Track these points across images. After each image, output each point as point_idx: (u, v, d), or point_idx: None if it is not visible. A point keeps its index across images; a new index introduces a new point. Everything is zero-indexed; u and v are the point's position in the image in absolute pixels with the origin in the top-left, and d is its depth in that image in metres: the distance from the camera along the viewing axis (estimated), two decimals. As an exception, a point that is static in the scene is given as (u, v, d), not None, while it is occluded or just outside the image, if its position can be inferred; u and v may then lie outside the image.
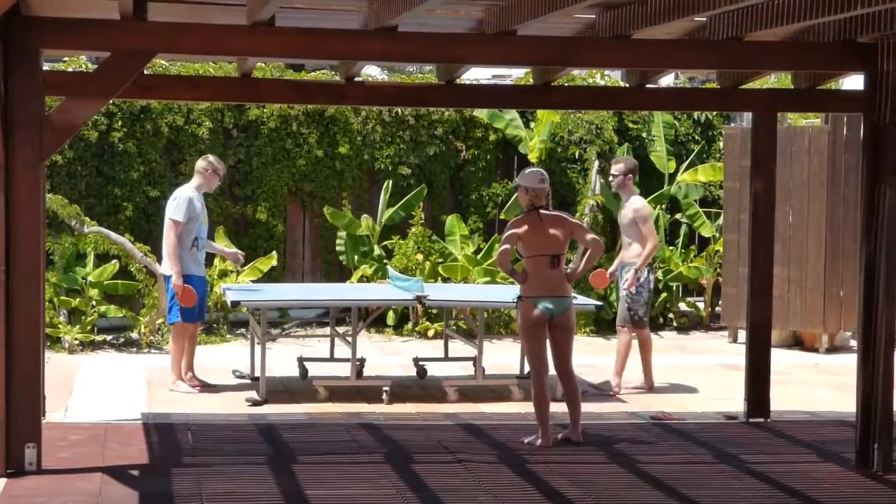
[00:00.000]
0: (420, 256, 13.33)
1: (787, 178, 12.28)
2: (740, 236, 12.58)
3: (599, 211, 13.75)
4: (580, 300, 9.46)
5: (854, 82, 10.54)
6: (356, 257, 13.50)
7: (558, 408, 8.22)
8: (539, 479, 7.01)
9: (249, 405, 9.25)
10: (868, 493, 6.99)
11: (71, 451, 7.46)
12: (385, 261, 13.38)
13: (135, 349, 12.16)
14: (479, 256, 13.57)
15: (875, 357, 7.38)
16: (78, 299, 12.27)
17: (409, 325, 13.33)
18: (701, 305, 14.48)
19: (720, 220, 14.12)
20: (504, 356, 11.51)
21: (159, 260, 10.58)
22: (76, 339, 11.95)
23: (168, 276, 9.75)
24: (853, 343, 12.69)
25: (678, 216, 14.50)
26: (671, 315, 14.14)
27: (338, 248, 13.65)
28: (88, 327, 12.15)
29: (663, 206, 14.24)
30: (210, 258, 12.25)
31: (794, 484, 7.01)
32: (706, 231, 14.34)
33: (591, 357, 11.80)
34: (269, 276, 13.04)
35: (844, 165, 12.53)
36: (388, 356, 11.88)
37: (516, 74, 15.54)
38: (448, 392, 9.64)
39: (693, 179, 14.18)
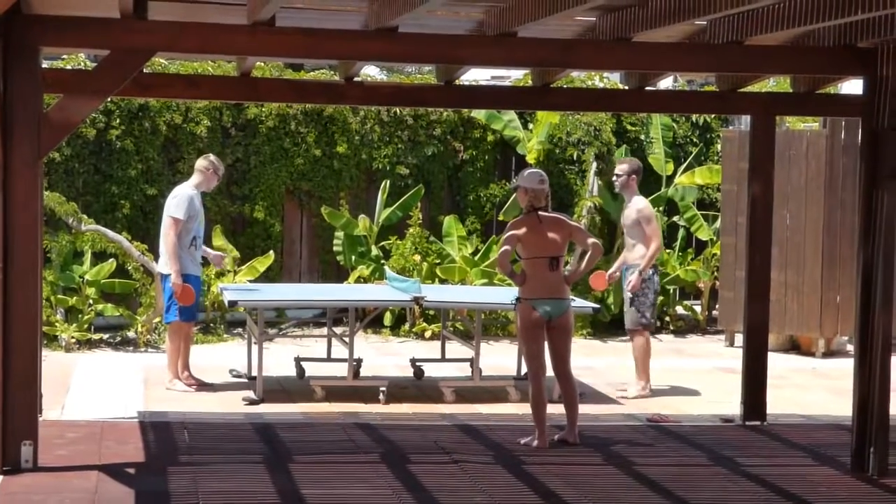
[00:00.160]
0: (417, 257, 13.33)
1: (785, 182, 12.29)
2: (737, 240, 12.58)
3: (597, 213, 13.76)
4: (578, 302, 9.47)
5: (852, 87, 10.53)
6: (353, 257, 13.51)
7: (554, 409, 8.22)
8: (535, 480, 7.02)
9: (246, 404, 9.25)
10: (863, 496, 6.99)
11: (67, 449, 7.46)
12: (382, 261, 13.38)
13: (131, 348, 12.16)
14: (476, 258, 13.57)
15: (872, 361, 7.39)
16: (75, 297, 12.27)
17: (406, 326, 13.34)
18: (698, 309, 14.48)
19: (717, 224, 14.13)
20: (501, 357, 11.51)
21: (156, 258, 10.58)
22: (73, 337, 11.94)
23: (165, 275, 9.75)
24: (849, 348, 12.70)
25: (675, 219, 14.51)
26: (668, 318, 14.15)
27: (335, 248, 13.65)
28: (85, 326, 12.14)
29: (661, 209, 14.24)
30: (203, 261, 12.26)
31: (790, 487, 7.02)
32: (703, 234, 14.35)
33: (589, 359, 11.81)
34: (267, 276, 13.04)
35: (842, 169, 12.54)
36: (385, 357, 11.88)
37: (515, 76, 15.55)
38: (445, 393, 9.65)
39: (690, 182, 14.19)
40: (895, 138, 7.22)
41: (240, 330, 12.84)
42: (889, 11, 6.21)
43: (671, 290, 14.19)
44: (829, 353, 12.70)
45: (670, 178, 14.36)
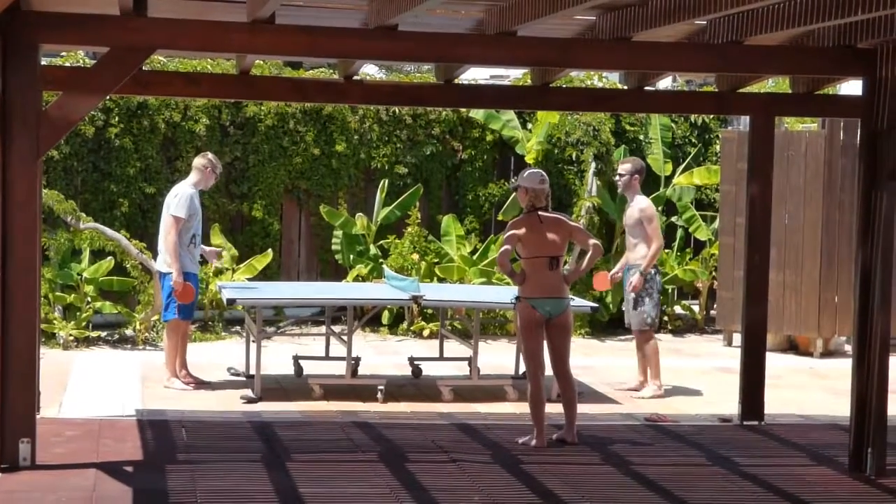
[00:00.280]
0: (416, 256, 13.33)
1: (784, 183, 12.30)
2: (736, 240, 12.59)
3: (595, 213, 13.76)
4: (576, 302, 9.47)
5: (851, 87, 10.54)
6: (352, 256, 13.51)
7: (553, 408, 8.22)
8: (533, 479, 7.02)
9: (244, 403, 9.25)
10: (861, 496, 7.00)
11: (65, 447, 7.45)
12: (381, 260, 13.39)
13: (129, 346, 12.16)
14: (474, 257, 13.57)
15: (870, 361, 7.39)
16: (73, 295, 12.26)
17: (405, 325, 13.34)
18: (696, 308, 14.49)
19: (715, 224, 14.14)
20: (499, 356, 11.51)
21: (155, 256, 10.57)
22: (71, 335, 11.94)
23: (164, 274, 9.75)
24: (847, 348, 12.72)
25: (674, 219, 14.51)
26: (666, 318, 14.15)
27: (334, 247, 13.65)
28: (83, 323, 12.14)
29: (660, 209, 14.24)
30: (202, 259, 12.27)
31: (788, 487, 7.02)
32: (702, 234, 14.35)
33: (587, 359, 11.81)
34: (265, 274, 13.04)
35: (841, 170, 12.55)
36: (383, 355, 11.88)
37: (514, 75, 15.55)
38: (443, 392, 9.65)
39: (689, 182, 14.20)
40: (894, 139, 7.22)
41: (238, 328, 12.84)
42: (889, 12, 6.22)
43: (670, 290, 14.21)
44: (827, 353, 12.70)
45: (669, 179, 14.36)
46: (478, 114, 13.89)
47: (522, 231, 7.83)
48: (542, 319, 7.82)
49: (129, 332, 12.35)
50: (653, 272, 9.96)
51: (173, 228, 9.59)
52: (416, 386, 10.25)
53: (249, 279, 12.57)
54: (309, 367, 10.37)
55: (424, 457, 7.49)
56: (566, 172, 14.04)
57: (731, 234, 13.04)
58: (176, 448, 7.61)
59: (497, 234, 13.82)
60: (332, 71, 14.20)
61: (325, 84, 10.52)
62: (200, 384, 9.86)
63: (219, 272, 12.64)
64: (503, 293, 10.93)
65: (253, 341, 9.79)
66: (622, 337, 13.49)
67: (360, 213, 13.52)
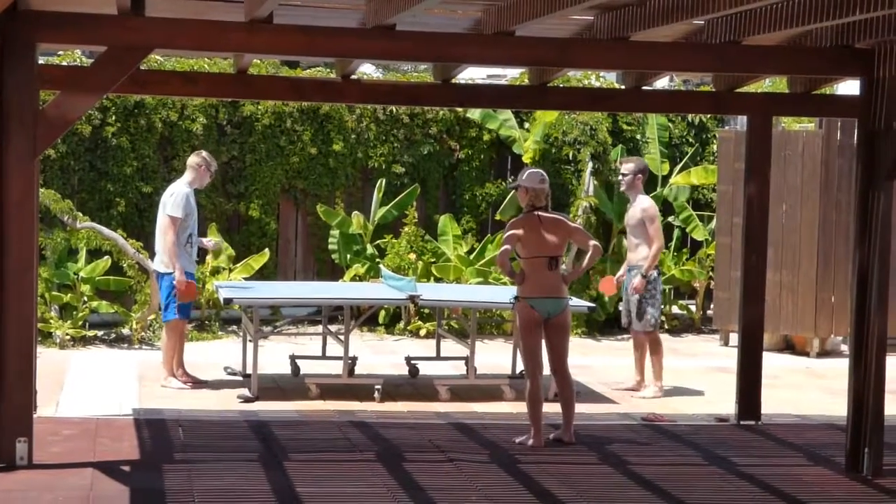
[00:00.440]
0: (413, 256, 13.33)
1: (781, 183, 12.31)
2: (733, 240, 12.60)
3: (593, 212, 13.77)
4: (573, 301, 9.46)
5: (848, 87, 10.55)
6: (349, 256, 13.50)
7: (549, 408, 8.22)
8: (530, 479, 7.02)
9: (241, 402, 9.25)
10: (858, 496, 7.00)
11: (62, 446, 7.45)
12: (377, 260, 13.38)
13: (126, 345, 12.15)
14: (471, 256, 13.57)
15: (867, 361, 7.40)
16: (69, 294, 12.25)
17: (401, 325, 13.34)
18: (693, 308, 14.50)
19: (712, 224, 14.15)
20: (496, 356, 11.51)
21: (152, 256, 10.56)
22: (67, 334, 11.93)
23: (161, 274, 9.75)
24: (844, 348, 12.72)
25: (671, 219, 14.52)
26: (663, 318, 14.15)
27: (330, 247, 13.64)
28: (80, 323, 12.13)
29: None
30: (202, 255, 12.25)
31: (784, 487, 7.02)
32: (699, 234, 14.36)
33: (584, 358, 11.81)
34: (262, 274, 13.04)
35: (838, 170, 12.56)
36: (380, 355, 11.88)
37: (511, 74, 15.56)
38: (440, 391, 9.65)
39: (686, 182, 14.20)
40: (892, 139, 7.23)
41: (235, 327, 12.84)
42: (887, 12, 6.22)
43: (666, 290, 14.20)
44: (824, 353, 12.71)
45: (666, 178, 14.37)
46: (475, 113, 13.89)
47: (522, 231, 7.84)
48: (541, 319, 7.83)
49: (125, 331, 12.34)
50: (654, 273, 9.96)
51: (171, 228, 9.58)
52: (412, 385, 10.25)
53: (246, 279, 12.57)
54: (306, 367, 10.36)
55: (421, 456, 7.49)
56: (563, 172, 14.04)
57: (727, 233, 13.05)
58: (173, 447, 7.60)
59: (494, 233, 13.82)
60: (329, 70, 14.19)
61: (322, 83, 10.52)
62: (197, 383, 9.86)
63: (216, 271, 12.64)
64: (500, 293, 10.93)
65: (250, 341, 9.79)
66: (619, 336, 13.50)
67: (357, 212, 13.52)
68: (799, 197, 12.66)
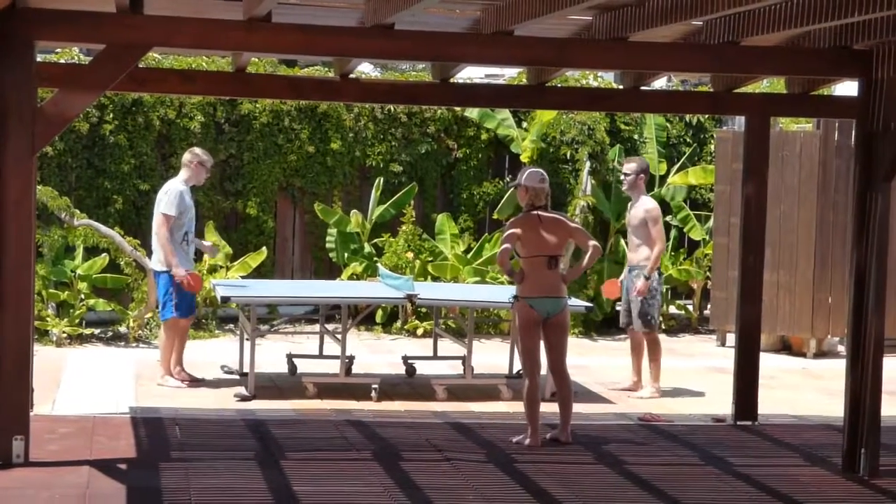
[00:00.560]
0: (410, 254, 13.33)
1: (778, 183, 12.32)
2: (730, 240, 12.61)
3: (590, 212, 13.77)
4: (570, 301, 9.46)
5: (846, 88, 10.55)
6: (346, 254, 13.50)
7: (546, 408, 8.22)
8: (527, 478, 7.02)
9: (238, 400, 9.25)
10: (854, 497, 7.00)
11: (59, 444, 7.44)
12: (375, 258, 13.38)
13: (123, 343, 12.14)
14: (469, 255, 13.57)
15: (864, 362, 7.41)
16: (66, 292, 12.25)
17: (399, 324, 13.34)
18: (690, 308, 14.51)
19: (709, 223, 14.16)
20: (493, 355, 11.51)
21: (149, 254, 10.55)
22: (64, 332, 11.92)
23: (159, 272, 9.75)
24: (841, 348, 12.74)
25: (668, 219, 14.52)
26: (660, 318, 14.16)
27: (328, 245, 13.64)
28: (76, 320, 12.13)
29: (654, 209, 14.25)
30: (199, 254, 12.24)
31: (781, 487, 7.03)
32: (696, 234, 14.37)
33: (580, 358, 11.80)
34: (259, 272, 13.04)
35: (835, 171, 12.57)
36: (377, 354, 11.88)
37: (509, 74, 15.55)
38: (437, 390, 9.65)
39: (684, 182, 14.21)
40: (890, 140, 7.23)
41: (231, 326, 12.83)
42: (885, 13, 6.23)
43: (664, 290, 14.19)
44: (821, 354, 12.72)
45: (663, 178, 14.37)
46: (473, 112, 13.89)
47: (522, 230, 7.85)
48: (540, 318, 7.84)
49: (122, 329, 12.33)
50: (655, 274, 9.96)
51: (164, 226, 9.58)
52: (410, 385, 10.25)
53: (243, 277, 12.57)
54: (303, 366, 10.36)
55: (418, 455, 7.49)
56: (561, 171, 14.04)
57: (725, 234, 13.06)
58: (170, 446, 7.60)
59: (491, 232, 13.83)
60: (326, 69, 14.19)
61: (320, 82, 10.52)
62: (194, 382, 9.86)
63: (213, 269, 12.63)
64: (497, 292, 10.93)
65: (247, 339, 9.78)
66: (616, 336, 13.51)
67: (355, 211, 13.52)
68: (796, 197, 12.66)
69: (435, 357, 10.96)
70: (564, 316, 7.95)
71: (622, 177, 10.33)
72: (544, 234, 7.84)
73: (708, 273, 14.04)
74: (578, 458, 7.63)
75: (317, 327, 11.25)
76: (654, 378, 10.03)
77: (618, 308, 13.56)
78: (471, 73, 15.52)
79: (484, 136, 14.21)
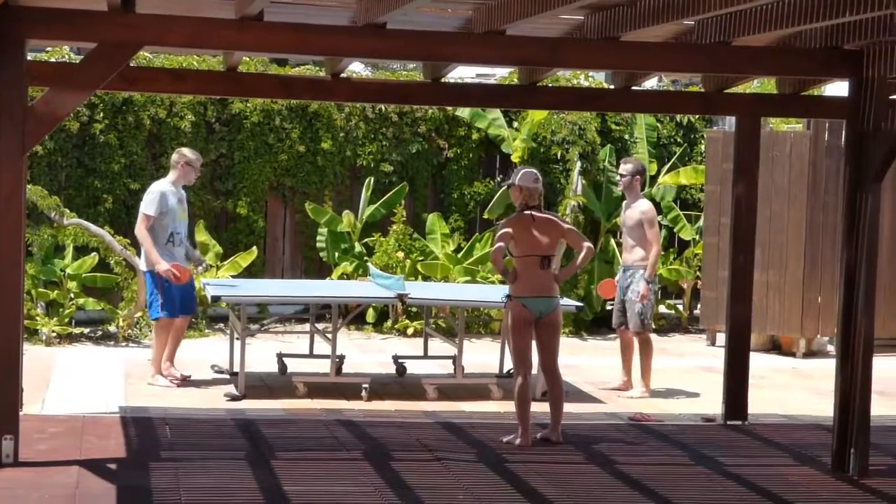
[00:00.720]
0: (401, 254, 13.32)
1: (768, 183, 12.33)
2: (720, 240, 12.62)
3: (581, 211, 13.78)
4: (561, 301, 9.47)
5: (836, 89, 10.58)
6: (337, 254, 13.49)
7: (536, 407, 8.22)
8: (517, 478, 7.02)
9: (228, 400, 9.23)
10: (844, 496, 7.02)
11: (48, 444, 7.42)
12: (366, 258, 13.37)
13: (112, 342, 12.11)
14: (459, 255, 13.57)
15: (853, 362, 7.42)
16: (56, 291, 12.22)
17: (389, 323, 13.33)
18: (680, 308, 14.53)
19: (700, 223, 14.18)
20: (483, 355, 11.51)
21: (138, 253, 10.54)
22: (53, 331, 11.89)
23: (146, 272, 9.73)
24: (830, 348, 12.76)
25: (658, 218, 14.52)
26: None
27: (318, 245, 13.63)
28: (66, 320, 12.10)
29: (644, 209, 14.26)
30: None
31: (771, 487, 7.04)
32: (686, 234, 14.39)
33: (571, 358, 11.80)
34: (249, 272, 13.02)
35: (825, 171, 12.60)
36: (368, 353, 11.87)
37: (500, 73, 15.55)
38: (427, 390, 9.65)
39: (675, 182, 14.23)
40: (880, 140, 7.25)
41: (222, 325, 12.81)
42: (875, 14, 6.24)
43: (656, 289, 14.22)
44: (810, 354, 12.75)
45: (654, 178, 14.39)
46: (464, 112, 13.89)
47: (515, 229, 7.86)
48: (533, 318, 7.84)
49: (112, 328, 12.31)
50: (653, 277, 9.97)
51: (142, 225, 9.64)
52: (400, 384, 10.25)
53: (234, 276, 12.55)
54: (293, 365, 10.34)
55: (409, 455, 7.49)
56: (552, 171, 14.04)
57: (715, 233, 13.07)
58: (160, 445, 7.59)
59: (482, 232, 13.83)
60: (317, 68, 14.18)
61: (312, 81, 10.51)
62: (184, 381, 9.84)
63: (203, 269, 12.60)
64: (488, 292, 10.94)
65: (237, 339, 9.77)
66: (606, 336, 13.52)
67: (348, 211, 13.51)
68: (786, 198, 12.69)
69: (425, 356, 10.95)
70: (557, 315, 7.96)
71: (618, 178, 10.34)
72: (538, 234, 7.85)
73: (698, 273, 14.06)
74: (569, 458, 7.64)
75: (307, 327, 11.24)
76: (645, 378, 10.03)
77: (608, 307, 13.63)
78: (462, 73, 15.51)
79: (475, 136, 14.21)
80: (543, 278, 7.87)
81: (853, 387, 7.42)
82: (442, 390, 9.77)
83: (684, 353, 12.91)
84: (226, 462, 7.13)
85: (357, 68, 16.11)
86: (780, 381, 11.26)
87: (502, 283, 12.50)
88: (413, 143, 14.03)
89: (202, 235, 12.75)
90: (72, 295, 12.24)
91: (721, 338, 11.95)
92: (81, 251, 12.41)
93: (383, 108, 13.84)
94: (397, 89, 9.75)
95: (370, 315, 13.40)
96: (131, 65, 8.46)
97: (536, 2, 6.62)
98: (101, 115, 12.92)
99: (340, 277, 13.13)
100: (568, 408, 8.45)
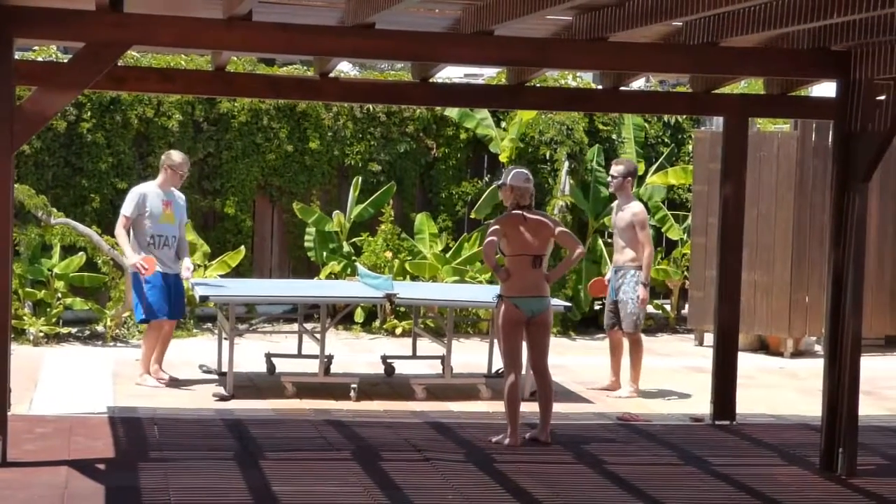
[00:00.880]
0: (389, 254, 13.32)
1: (756, 183, 12.36)
2: (708, 240, 12.65)
3: (569, 211, 13.80)
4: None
5: (823, 89, 10.61)
6: (325, 254, 13.48)
7: (525, 407, 8.23)
8: (506, 478, 7.03)
9: (216, 400, 9.22)
10: (832, 496, 7.04)
11: (36, 444, 7.41)
12: (354, 258, 13.36)
13: (100, 342, 12.08)
14: (447, 255, 13.58)
15: (841, 362, 7.45)
16: (43, 291, 12.18)
17: (377, 323, 13.32)
18: (668, 308, 14.55)
19: (687, 223, 14.20)
20: (472, 355, 11.51)
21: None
22: (41, 331, 11.86)
23: (133, 273, 9.72)
24: (818, 348, 12.80)
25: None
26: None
27: (306, 244, 13.62)
28: (53, 319, 12.06)
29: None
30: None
31: (759, 487, 7.06)
32: (674, 234, 14.41)
33: (559, 358, 11.79)
34: (237, 272, 13.00)
35: (813, 171, 12.63)
36: (356, 353, 11.86)
37: (488, 73, 15.56)
38: (416, 390, 9.65)
39: (664, 182, 14.25)
40: (867, 141, 7.28)
41: (210, 325, 12.79)
42: (863, 15, 6.27)
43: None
44: (798, 353, 12.78)
45: (642, 178, 14.41)
46: (452, 112, 13.89)
47: (508, 227, 7.87)
48: (524, 318, 7.85)
49: (99, 328, 12.28)
50: (642, 275, 9.94)
51: (119, 225, 9.70)
52: (389, 384, 10.24)
53: (222, 276, 12.53)
54: (281, 365, 10.33)
55: (398, 455, 7.49)
56: (540, 171, 14.06)
57: (702, 233, 13.10)
58: (148, 445, 7.58)
59: (470, 232, 13.84)
60: (305, 68, 14.17)
61: (300, 81, 10.49)
62: (172, 381, 9.82)
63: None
64: (476, 292, 10.95)
65: (225, 338, 9.76)
66: (594, 336, 13.54)
67: (338, 211, 13.50)
68: (774, 198, 12.72)
69: (414, 356, 10.95)
70: (548, 315, 7.98)
71: (609, 179, 10.34)
72: (529, 234, 7.86)
73: (686, 273, 14.08)
74: (558, 458, 7.65)
75: (295, 326, 11.23)
76: (634, 378, 10.05)
77: (596, 307, 13.65)
78: (450, 73, 15.51)
79: (463, 136, 14.21)
80: (535, 278, 7.88)
81: (841, 387, 7.44)
82: (430, 390, 9.77)
83: (672, 353, 12.93)
84: (214, 462, 7.12)
85: (345, 68, 16.10)
86: (767, 380, 11.29)
87: (490, 282, 12.52)
88: (401, 143, 14.03)
89: (190, 235, 12.71)
90: (59, 295, 12.20)
91: (709, 338, 11.99)
92: (69, 251, 12.38)
93: (371, 107, 13.83)
94: (386, 89, 9.75)
95: (358, 315, 13.40)
96: (119, 64, 8.44)
97: (525, 2, 6.63)
98: (89, 114, 12.88)
99: (328, 277, 13.13)
100: (556, 408, 8.46)
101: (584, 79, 14.63)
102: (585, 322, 13.84)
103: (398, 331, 13.05)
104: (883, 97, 7.28)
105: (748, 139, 9.19)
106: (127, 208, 9.67)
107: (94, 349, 11.79)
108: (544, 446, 7.91)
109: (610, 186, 10.36)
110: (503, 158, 13.76)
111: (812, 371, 10.95)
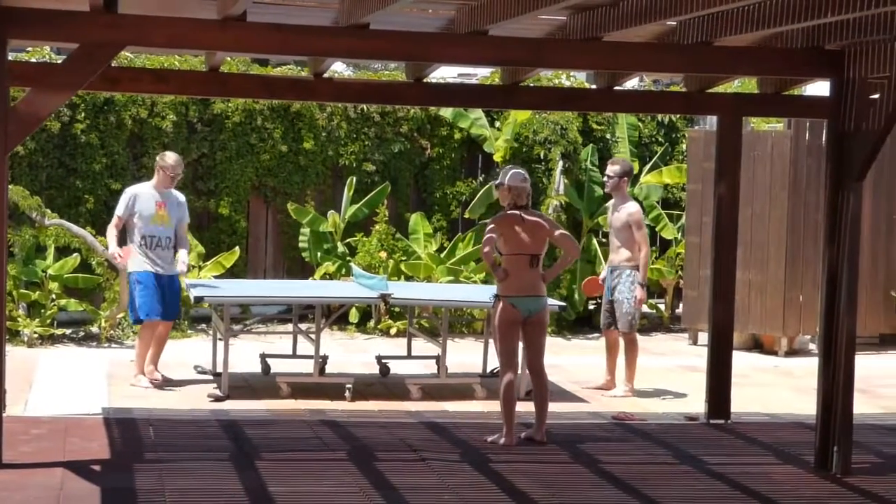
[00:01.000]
0: (383, 254, 13.32)
1: (750, 182, 12.36)
2: (702, 239, 12.66)
3: (563, 211, 13.81)
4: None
5: (817, 88, 10.63)
6: (319, 254, 13.48)
7: (521, 407, 8.23)
8: (502, 477, 7.03)
9: (211, 401, 9.22)
10: (827, 495, 7.05)
11: (31, 446, 7.40)
12: (348, 258, 13.36)
13: (95, 343, 12.07)
14: (442, 255, 13.58)
15: (836, 361, 7.46)
16: (38, 292, 12.16)
17: (372, 323, 13.32)
18: (662, 307, 14.56)
19: (681, 222, 14.22)
20: (467, 355, 11.52)
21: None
22: (35, 332, 11.84)
23: (129, 272, 9.72)
24: (812, 346, 12.83)
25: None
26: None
27: (301, 245, 13.61)
28: (48, 321, 12.05)
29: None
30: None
31: (754, 485, 7.07)
32: (668, 233, 14.42)
33: (554, 357, 11.78)
34: (232, 272, 12.99)
35: (806, 170, 12.65)
36: (351, 354, 11.86)
37: (482, 73, 15.56)
38: (411, 390, 9.65)
39: (658, 181, 14.26)
40: (861, 140, 7.29)
41: (204, 326, 12.78)
42: (857, 14, 6.28)
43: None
44: (792, 352, 12.80)
45: (636, 178, 14.41)
46: (446, 112, 13.89)
47: (505, 227, 7.88)
48: (521, 318, 7.86)
49: (94, 329, 12.26)
50: (637, 274, 9.95)
51: (111, 224, 9.77)
52: (384, 384, 10.24)
53: (216, 277, 12.52)
54: (276, 366, 10.34)
55: (393, 455, 7.49)
56: (534, 171, 14.06)
57: (697, 233, 13.11)
58: (143, 446, 7.57)
59: (464, 232, 13.84)
60: (299, 68, 14.16)
61: (294, 81, 10.49)
62: (167, 382, 9.81)
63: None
64: (471, 292, 10.95)
65: (220, 339, 9.75)
66: (589, 335, 13.55)
67: (333, 211, 13.50)
68: (767, 197, 12.73)
69: (409, 356, 10.95)
70: (544, 315, 7.99)
71: (605, 178, 10.34)
72: (526, 234, 7.87)
73: (680, 272, 14.09)
74: (554, 458, 7.65)
75: (290, 327, 11.23)
76: (629, 378, 10.06)
77: (591, 307, 13.67)
78: (444, 73, 15.52)
79: (457, 136, 14.22)
80: (532, 277, 7.88)
81: (836, 385, 7.45)
82: (425, 390, 9.77)
83: (666, 352, 12.94)
84: (210, 463, 7.12)
85: (339, 68, 16.09)
86: (762, 379, 11.30)
87: (485, 282, 12.52)
88: (395, 143, 14.02)
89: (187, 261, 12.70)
90: (53, 296, 12.19)
91: (703, 337, 12.00)
92: (63, 252, 12.36)
93: (365, 107, 13.83)
94: (380, 89, 9.75)
95: (353, 315, 13.39)
96: (113, 65, 8.44)
97: (519, 2, 6.63)
98: (83, 115, 12.87)
99: (323, 278, 13.12)
100: (552, 407, 8.47)
101: (578, 78, 14.64)
102: (580, 322, 13.85)
103: (393, 331, 13.05)
104: (877, 96, 7.30)
105: (742, 138, 9.21)
106: (119, 208, 9.78)
107: (89, 350, 11.78)
108: (540, 446, 7.92)
109: (606, 186, 10.36)
110: (497, 158, 13.77)
111: (806, 370, 10.97)
